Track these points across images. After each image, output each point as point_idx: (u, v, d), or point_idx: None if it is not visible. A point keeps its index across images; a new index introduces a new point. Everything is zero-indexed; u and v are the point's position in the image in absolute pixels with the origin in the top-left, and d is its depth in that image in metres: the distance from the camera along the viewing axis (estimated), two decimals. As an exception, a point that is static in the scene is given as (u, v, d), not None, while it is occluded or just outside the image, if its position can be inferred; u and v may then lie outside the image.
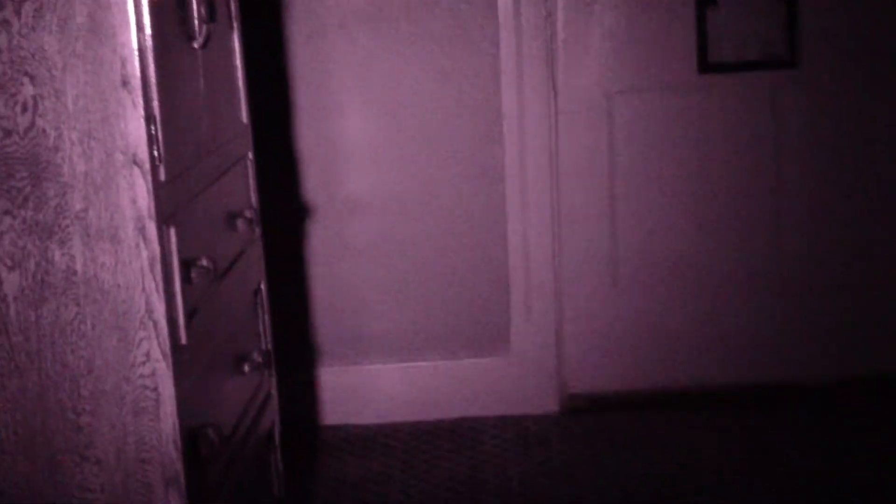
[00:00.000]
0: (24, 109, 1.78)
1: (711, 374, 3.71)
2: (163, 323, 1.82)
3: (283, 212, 3.49)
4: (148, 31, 1.79)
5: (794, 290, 3.69)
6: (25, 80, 1.78)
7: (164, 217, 1.82)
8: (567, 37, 3.54)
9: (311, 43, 3.49)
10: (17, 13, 1.77)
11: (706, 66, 3.57)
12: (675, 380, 3.72)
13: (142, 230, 1.79)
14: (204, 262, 1.96)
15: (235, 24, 2.38)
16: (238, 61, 2.39)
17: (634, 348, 3.73)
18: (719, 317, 3.70)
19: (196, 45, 2.07)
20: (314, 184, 3.57)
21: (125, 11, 1.75)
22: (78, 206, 1.79)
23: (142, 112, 1.76)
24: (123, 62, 1.76)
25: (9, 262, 1.82)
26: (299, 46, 3.49)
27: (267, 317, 2.52)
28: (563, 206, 3.63)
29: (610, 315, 3.72)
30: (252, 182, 2.47)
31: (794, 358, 3.70)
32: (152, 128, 1.79)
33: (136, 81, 1.76)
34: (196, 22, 2.06)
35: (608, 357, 3.73)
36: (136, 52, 1.76)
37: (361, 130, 3.56)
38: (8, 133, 1.79)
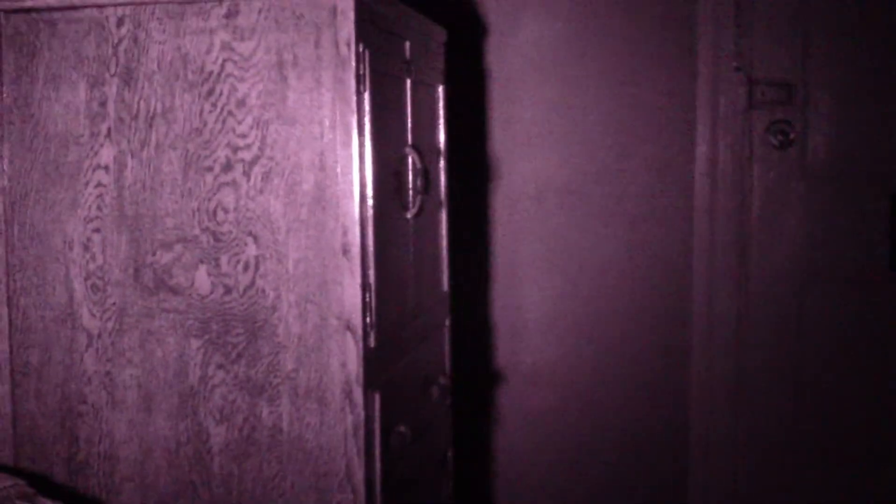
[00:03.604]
0: (246, 268, 1.85)
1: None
2: (361, 487, 1.84)
3: (473, 377, 3.51)
4: (370, 201, 1.84)
5: None
6: (249, 240, 1.85)
7: (370, 383, 1.85)
8: (761, 223, 3.52)
9: (508, 211, 3.55)
10: (247, 175, 1.85)
11: (898, 263, 3.52)
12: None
13: (349, 394, 1.82)
14: (402, 429, 1.98)
15: (445, 199, 2.44)
16: (444, 231, 2.44)
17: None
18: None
19: (409, 215, 2.13)
20: (502, 351, 3.60)
21: (350, 182, 1.81)
22: (290, 367, 1.84)
23: (359, 280, 1.81)
24: (345, 231, 1.81)
25: (217, 416, 1.87)
26: (497, 214, 3.56)
27: (451, 484, 2.53)
28: (745, 388, 3.57)
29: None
30: (447, 349, 2.50)
31: None
32: (367, 296, 1.83)
33: (356, 250, 1.81)
34: (411, 193, 2.12)
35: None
36: (358, 222, 1.81)
37: (548, 299, 3.58)
38: (228, 290, 1.85)
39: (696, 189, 3.50)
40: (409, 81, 2.19)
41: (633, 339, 3.58)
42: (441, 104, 2.49)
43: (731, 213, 3.49)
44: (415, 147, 2.15)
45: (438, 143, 2.45)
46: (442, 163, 2.45)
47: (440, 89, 2.49)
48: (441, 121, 2.48)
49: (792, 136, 3.46)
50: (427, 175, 2.21)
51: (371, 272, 1.84)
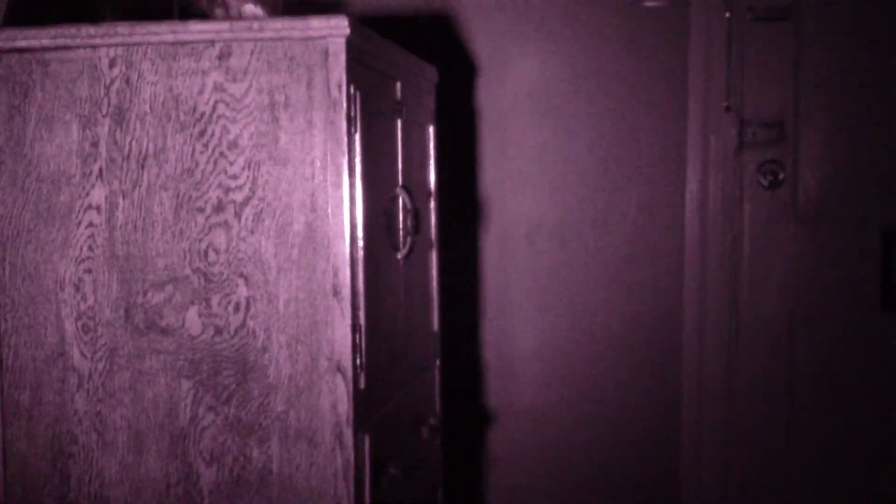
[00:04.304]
0: (237, 309, 1.85)
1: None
2: (351, 529, 1.84)
3: (464, 417, 3.50)
4: (360, 242, 1.85)
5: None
6: (240, 281, 1.85)
7: (361, 424, 1.85)
8: (751, 263, 3.53)
9: (498, 250, 3.56)
10: (238, 216, 1.85)
11: (889, 303, 3.51)
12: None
13: (339, 436, 1.82)
14: (392, 470, 1.98)
15: (435, 238, 2.45)
16: (434, 272, 2.45)
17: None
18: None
19: (399, 256, 2.14)
20: (493, 390, 3.59)
21: (341, 222, 1.82)
22: (280, 408, 1.84)
23: (349, 321, 1.81)
24: (336, 271, 1.82)
25: (207, 457, 1.86)
26: (488, 253, 3.57)
27: (441, 525, 2.52)
28: (736, 430, 3.57)
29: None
30: (438, 389, 2.50)
31: None
32: (357, 337, 1.83)
33: (347, 291, 1.81)
34: (402, 233, 2.13)
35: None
36: (349, 262, 1.82)
37: (539, 338, 3.58)
38: (219, 331, 1.86)
39: (687, 228, 3.51)
40: (400, 121, 2.20)
41: (625, 378, 3.58)
42: (432, 144, 2.50)
43: (721, 252, 3.50)
44: (405, 187, 2.16)
45: (429, 182, 2.46)
46: (432, 202, 2.46)
47: (431, 129, 2.50)
48: (432, 160, 2.49)
49: (782, 176, 3.48)
50: (417, 215, 2.21)
51: (361, 313, 1.85)
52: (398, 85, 2.20)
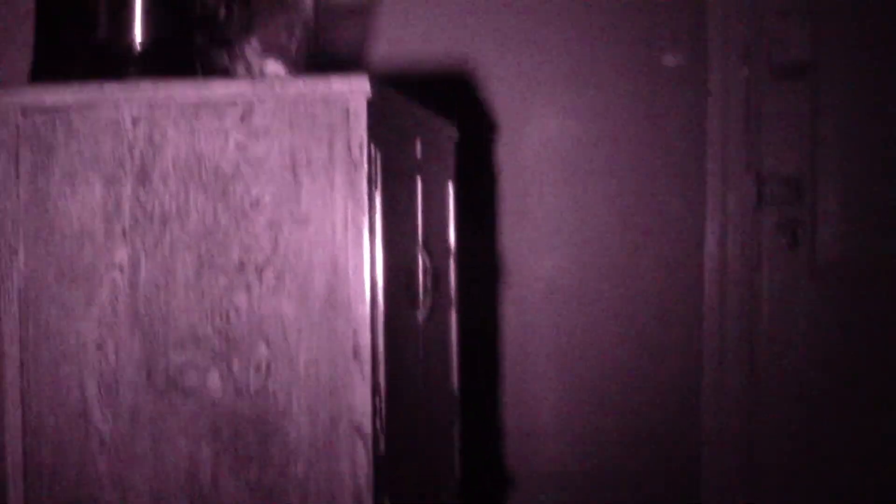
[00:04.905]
0: (258, 371, 1.84)
1: None
2: None
3: (483, 480, 3.48)
4: (381, 303, 1.84)
5: None
6: (261, 342, 1.84)
7: (380, 489, 1.84)
8: (771, 323, 3.52)
9: (517, 309, 3.55)
10: (259, 277, 1.84)
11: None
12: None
13: (359, 501, 1.81)
14: (411, 536, 1.97)
15: (455, 298, 2.44)
16: (454, 331, 2.44)
17: None
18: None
19: (419, 316, 2.13)
20: (512, 453, 3.57)
21: (362, 283, 1.81)
22: (300, 472, 1.82)
23: (369, 383, 1.80)
24: (356, 333, 1.81)
25: (227, 519, 1.85)
26: (507, 312, 3.56)
27: (459, 587, 2.50)
28: (757, 487, 3.55)
29: None
30: (457, 451, 2.49)
31: None
32: (377, 399, 1.82)
33: (367, 353, 1.80)
34: (421, 293, 2.12)
35: None
36: (369, 324, 1.81)
37: (559, 399, 3.57)
38: (240, 393, 1.85)
39: (706, 288, 3.51)
40: (420, 180, 2.20)
41: (645, 442, 3.56)
42: (451, 202, 2.50)
43: (740, 312, 3.50)
44: (425, 246, 2.16)
45: (449, 241, 2.46)
46: (452, 261, 2.46)
47: (451, 187, 2.50)
48: (451, 219, 2.49)
49: (801, 234, 3.47)
50: (437, 274, 2.21)
51: (381, 375, 1.84)
52: (418, 143, 2.20)
